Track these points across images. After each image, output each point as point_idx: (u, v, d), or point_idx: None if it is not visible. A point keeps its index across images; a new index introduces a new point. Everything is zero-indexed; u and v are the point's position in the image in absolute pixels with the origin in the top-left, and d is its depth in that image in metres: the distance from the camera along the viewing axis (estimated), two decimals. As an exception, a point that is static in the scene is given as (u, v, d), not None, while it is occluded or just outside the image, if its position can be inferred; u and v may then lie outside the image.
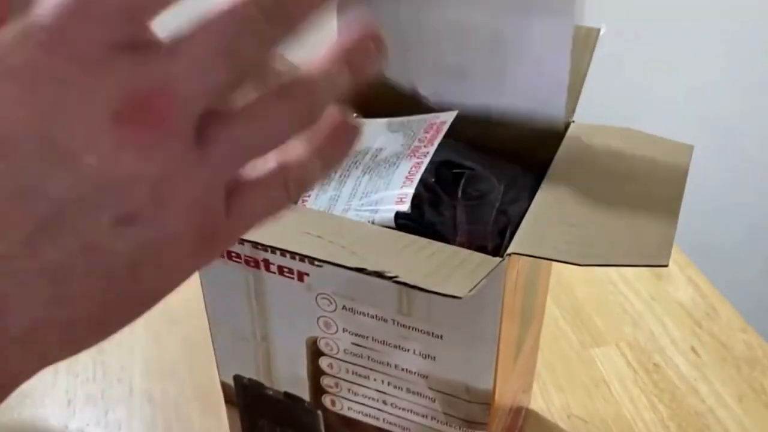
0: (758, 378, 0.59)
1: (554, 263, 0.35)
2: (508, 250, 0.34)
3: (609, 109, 0.68)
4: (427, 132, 0.42)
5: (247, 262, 0.38)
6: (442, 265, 0.33)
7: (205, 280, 0.42)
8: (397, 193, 0.39)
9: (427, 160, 0.40)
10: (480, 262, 0.33)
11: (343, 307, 0.38)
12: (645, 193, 0.37)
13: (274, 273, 0.38)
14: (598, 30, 0.44)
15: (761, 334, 0.63)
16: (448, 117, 0.43)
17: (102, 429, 0.54)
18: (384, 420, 0.43)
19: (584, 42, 0.44)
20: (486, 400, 0.38)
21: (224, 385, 0.47)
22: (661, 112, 1.10)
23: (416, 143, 0.42)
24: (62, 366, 0.59)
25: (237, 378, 0.46)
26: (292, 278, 0.38)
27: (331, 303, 0.38)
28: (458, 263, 0.33)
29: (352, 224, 0.38)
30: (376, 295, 0.37)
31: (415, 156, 0.41)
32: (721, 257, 1.02)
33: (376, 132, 0.44)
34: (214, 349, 0.46)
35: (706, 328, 0.64)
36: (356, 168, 0.42)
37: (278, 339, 0.42)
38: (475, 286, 0.31)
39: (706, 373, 0.59)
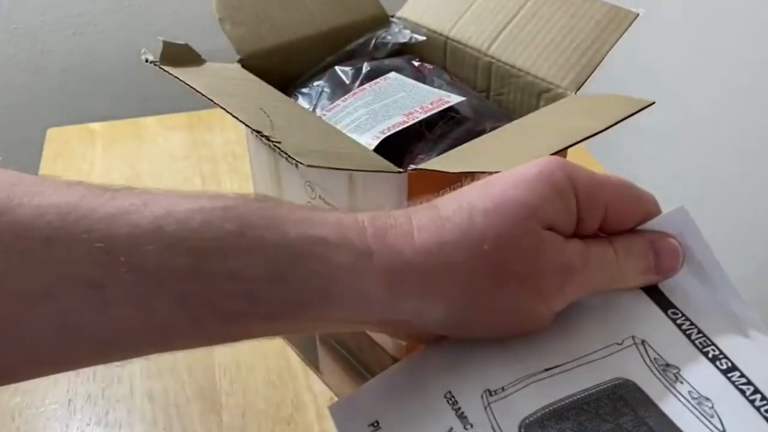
0: (757, 378, 0.59)
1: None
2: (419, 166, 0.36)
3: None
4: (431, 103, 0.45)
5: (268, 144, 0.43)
6: (346, 155, 0.37)
7: (251, 156, 0.50)
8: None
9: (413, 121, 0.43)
10: (380, 165, 0.36)
11: (319, 197, 0.43)
12: (570, 126, 0.38)
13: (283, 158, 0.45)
14: (636, 14, 0.44)
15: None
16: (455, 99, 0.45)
17: (102, 428, 0.54)
18: None
19: (617, 22, 0.44)
20: None
21: None
22: (662, 108, 1.10)
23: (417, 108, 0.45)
24: (63, 365, 0.59)
25: None
26: (292, 162, 0.44)
27: (313, 191, 0.43)
28: (360, 158, 0.37)
29: (299, 111, 0.43)
30: (337, 189, 0.42)
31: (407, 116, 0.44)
32: (720, 257, 1.02)
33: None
34: None
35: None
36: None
37: None
38: (326, 167, 0.35)
39: (705, 373, 0.59)
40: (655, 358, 0.29)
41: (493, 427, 0.28)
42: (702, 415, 0.27)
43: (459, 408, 0.29)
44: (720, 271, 0.32)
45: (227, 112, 0.37)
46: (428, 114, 0.43)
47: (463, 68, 0.51)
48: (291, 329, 0.28)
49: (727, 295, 0.31)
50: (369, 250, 0.27)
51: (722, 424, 0.27)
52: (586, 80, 0.44)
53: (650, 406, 0.28)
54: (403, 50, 0.53)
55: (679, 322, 0.30)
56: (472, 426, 0.28)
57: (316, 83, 0.49)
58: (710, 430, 0.27)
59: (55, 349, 0.25)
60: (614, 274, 0.30)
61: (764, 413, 0.27)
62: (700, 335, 0.30)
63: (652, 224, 0.32)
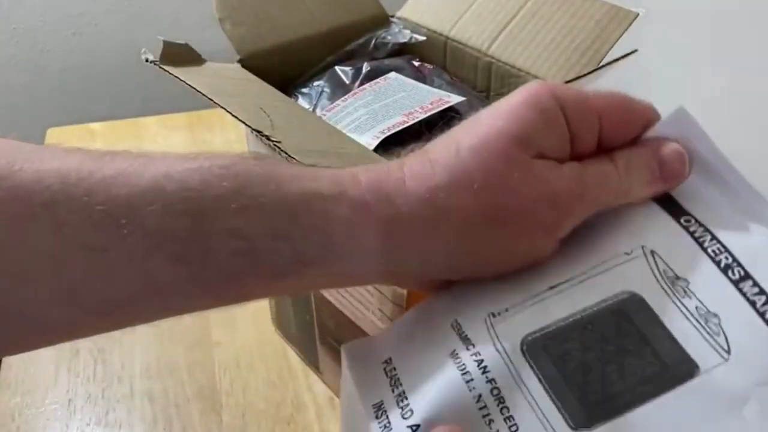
0: (757, 378, 0.59)
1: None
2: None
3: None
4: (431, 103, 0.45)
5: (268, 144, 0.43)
6: (346, 155, 0.37)
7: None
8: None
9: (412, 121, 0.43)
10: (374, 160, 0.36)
11: None
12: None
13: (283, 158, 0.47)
14: (636, 14, 0.44)
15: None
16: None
17: (102, 428, 0.54)
18: (346, 308, 0.46)
19: (617, 22, 0.45)
20: (401, 303, 0.41)
21: None
22: (663, 108, 1.10)
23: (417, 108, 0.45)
24: (63, 365, 0.59)
25: None
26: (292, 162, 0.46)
27: None
28: (360, 157, 0.37)
29: (299, 111, 0.42)
30: None
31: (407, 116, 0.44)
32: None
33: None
34: None
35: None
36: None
37: None
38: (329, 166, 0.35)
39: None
40: (664, 270, 0.28)
41: (494, 345, 0.27)
42: (708, 333, 0.26)
43: (463, 332, 0.28)
44: (731, 170, 0.30)
45: (227, 112, 0.37)
46: (428, 114, 0.43)
47: (463, 68, 0.51)
48: (295, 286, 0.28)
49: (742, 192, 0.29)
50: (364, 201, 0.27)
51: (727, 342, 0.26)
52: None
53: (655, 324, 0.27)
54: (403, 50, 0.53)
55: (692, 229, 0.29)
56: (474, 346, 0.27)
57: (316, 83, 0.49)
58: (715, 350, 0.26)
59: (58, 316, 0.25)
60: (617, 191, 0.29)
61: None
62: (714, 242, 0.28)
63: (653, 132, 0.30)
